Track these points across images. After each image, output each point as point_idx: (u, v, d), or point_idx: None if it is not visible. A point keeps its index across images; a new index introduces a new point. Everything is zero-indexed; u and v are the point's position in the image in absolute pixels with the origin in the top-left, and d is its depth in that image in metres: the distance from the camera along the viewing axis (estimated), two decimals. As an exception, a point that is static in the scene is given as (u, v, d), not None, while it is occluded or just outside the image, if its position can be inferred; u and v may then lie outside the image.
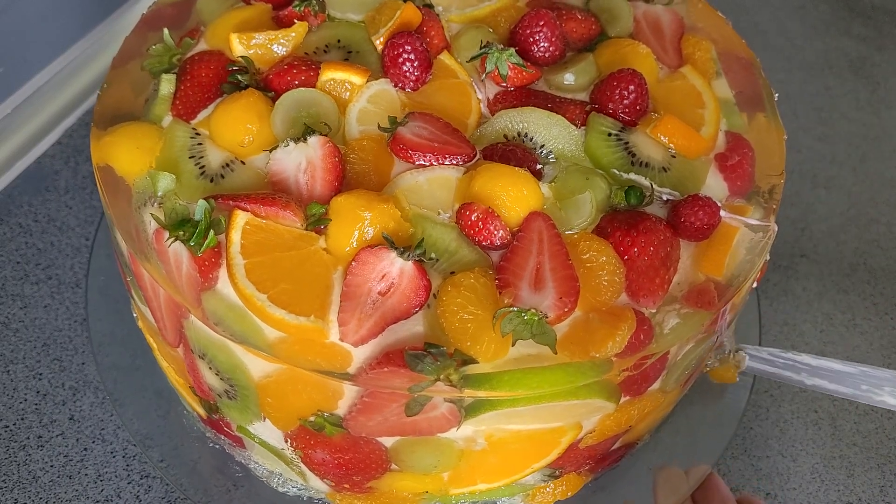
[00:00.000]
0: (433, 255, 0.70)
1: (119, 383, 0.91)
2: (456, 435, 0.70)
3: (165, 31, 0.82)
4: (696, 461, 0.89)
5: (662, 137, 0.80)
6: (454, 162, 0.75)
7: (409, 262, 0.66)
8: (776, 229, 0.78)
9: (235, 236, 0.68)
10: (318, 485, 0.81)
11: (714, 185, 0.80)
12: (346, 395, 0.68)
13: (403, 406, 0.66)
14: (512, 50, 0.81)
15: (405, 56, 0.79)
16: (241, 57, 0.80)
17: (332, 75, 0.79)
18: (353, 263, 0.66)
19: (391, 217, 0.70)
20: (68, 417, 0.93)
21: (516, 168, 0.73)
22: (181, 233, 0.68)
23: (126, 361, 0.93)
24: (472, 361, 0.65)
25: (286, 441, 0.76)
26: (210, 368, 0.73)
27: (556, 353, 0.66)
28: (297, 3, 0.84)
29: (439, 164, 0.75)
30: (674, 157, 0.79)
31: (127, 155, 0.75)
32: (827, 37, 1.50)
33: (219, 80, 0.80)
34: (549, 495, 0.83)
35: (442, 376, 0.64)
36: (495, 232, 0.70)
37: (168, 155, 0.75)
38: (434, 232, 0.71)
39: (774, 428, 0.99)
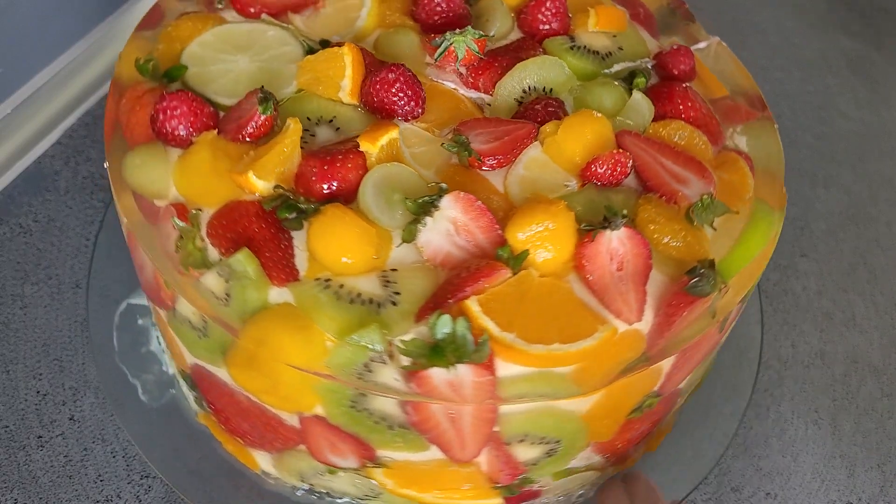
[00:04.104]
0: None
1: (119, 384, 0.90)
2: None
3: (174, 218, 0.70)
4: (699, 459, 0.90)
5: (601, 29, 0.88)
6: (528, 143, 0.76)
7: (621, 228, 0.69)
8: (718, 39, 0.92)
9: (486, 321, 0.66)
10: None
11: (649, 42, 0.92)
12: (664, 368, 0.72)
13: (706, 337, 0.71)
14: (468, 27, 0.82)
15: (402, 93, 0.76)
16: (275, 188, 0.70)
17: (380, 143, 0.74)
18: (584, 264, 0.69)
19: (567, 216, 0.70)
20: (68, 418, 0.93)
21: (578, 112, 0.77)
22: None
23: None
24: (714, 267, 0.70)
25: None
26: (532, 443, 0.72)
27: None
28: (260, 108, 0.72)
29: (520, 150, 0.76)
30: (615, 37, 0.88)
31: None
32: (825, 35, 1.51)
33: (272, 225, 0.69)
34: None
35: (719, 287, 0.70)
36: (627, 165, 0.75)
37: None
38: (599, 199, 0.75)
39: (774, 427, 1.00)
